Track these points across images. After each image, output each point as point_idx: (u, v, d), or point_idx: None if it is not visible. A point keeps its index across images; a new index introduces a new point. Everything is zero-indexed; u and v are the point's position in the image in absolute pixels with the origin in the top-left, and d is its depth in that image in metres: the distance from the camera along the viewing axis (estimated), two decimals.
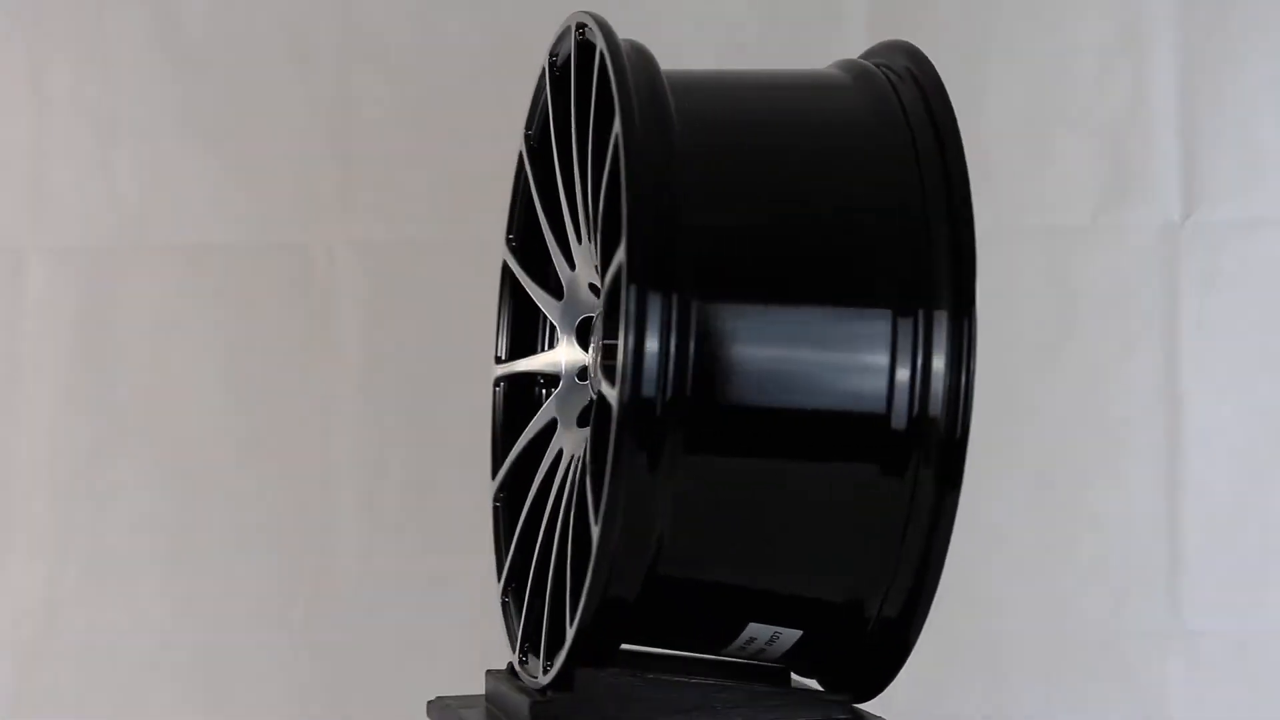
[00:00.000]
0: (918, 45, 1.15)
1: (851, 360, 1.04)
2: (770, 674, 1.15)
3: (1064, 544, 1.93)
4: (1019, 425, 1.93)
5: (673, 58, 1.20)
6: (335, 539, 1.98)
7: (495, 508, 1.31)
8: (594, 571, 1.04)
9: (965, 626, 1.93)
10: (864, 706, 1.14)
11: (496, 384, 1.34)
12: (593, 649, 1.08)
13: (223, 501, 1.99)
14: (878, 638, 1.09)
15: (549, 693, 1.11)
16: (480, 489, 1.92)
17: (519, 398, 1.34)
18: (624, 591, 1.06)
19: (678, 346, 1.02)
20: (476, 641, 1.52)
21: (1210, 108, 1.91)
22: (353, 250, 1.99)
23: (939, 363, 1.03)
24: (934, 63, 1.13)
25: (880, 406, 1.03)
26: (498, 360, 1.35)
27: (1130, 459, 1.93)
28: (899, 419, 1.03)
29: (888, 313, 1.04)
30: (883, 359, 1.03)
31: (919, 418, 1.03)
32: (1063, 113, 1.93)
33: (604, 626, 1.07)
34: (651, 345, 1.01)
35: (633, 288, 1.01)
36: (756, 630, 1.10)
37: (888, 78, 1.13)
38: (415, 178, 1.97)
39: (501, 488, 1.31)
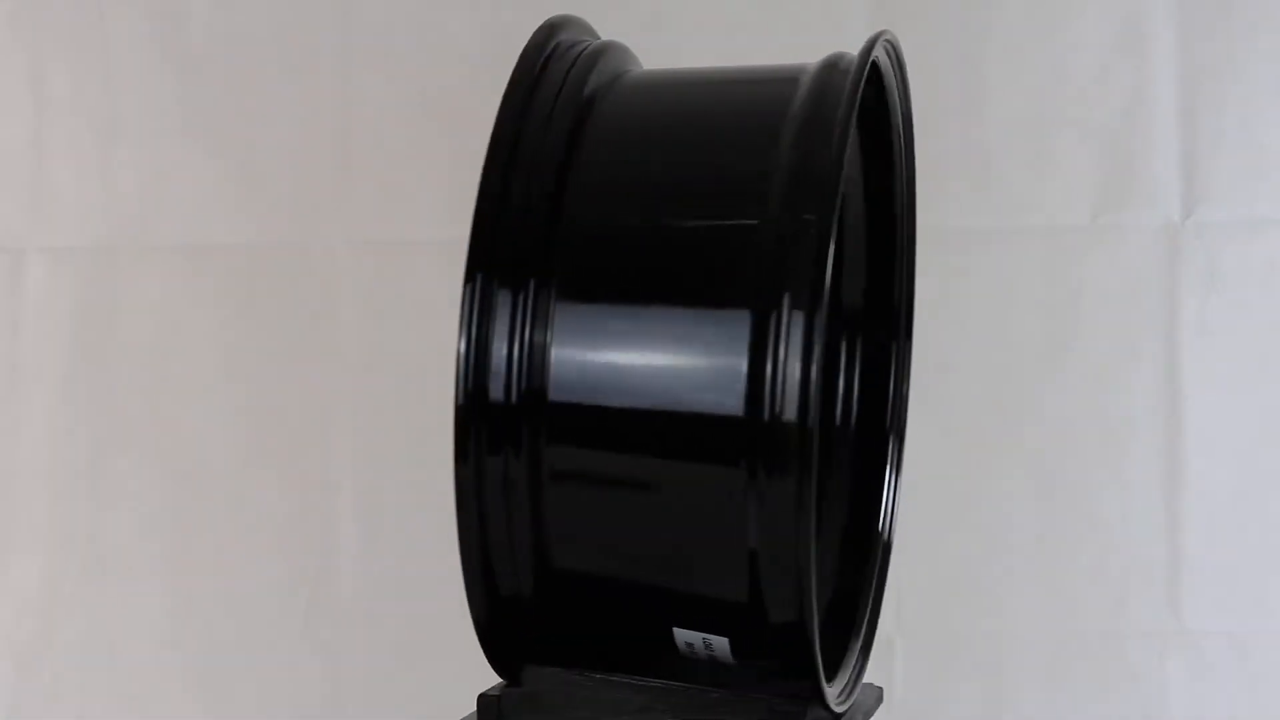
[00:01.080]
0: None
1: (705, 357, 1.03)
2: (780, 677, 1.11)
3: (1064, 544, 1.93)
4: (1019, 425, 1.93)
5: (672, 58, 1.20)
6: (335, 539, 1.98)
7: None
8: (464, 566, 1.05)
9: (965, 626, 1.93)
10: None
11: None
12: (511, 646, 1.09)
13: (223, 501, 1.99)
14: (784, 643, 1.06)
15: (501, 688, 1.12)
16: None
17: None
18: (516, 588, 1.06)
19: (529, 337, 1.03)
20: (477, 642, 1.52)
21: (1210, 108, 1.91)
22: (353, 250, 1.99)
23: (792, 359, 1.00)
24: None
25: (734, 403, 1.01)
26: None
27: (1130, 459, 1.92)
28: (753, 415, 1.01)
29: (740, 309, 1.02)
30: (735, 355, 1.01)
31: (773, 414, 1.01)
32: (1063, 113, 1.93)
33: (510, 623, 1.07)
34: (486, 331, 1.03)
35: (478, 275, 1.03)
36: (688, 636, 1.08)
37: (838, 68, 1.12)
38: (415, 178, 1.97)
39: None
